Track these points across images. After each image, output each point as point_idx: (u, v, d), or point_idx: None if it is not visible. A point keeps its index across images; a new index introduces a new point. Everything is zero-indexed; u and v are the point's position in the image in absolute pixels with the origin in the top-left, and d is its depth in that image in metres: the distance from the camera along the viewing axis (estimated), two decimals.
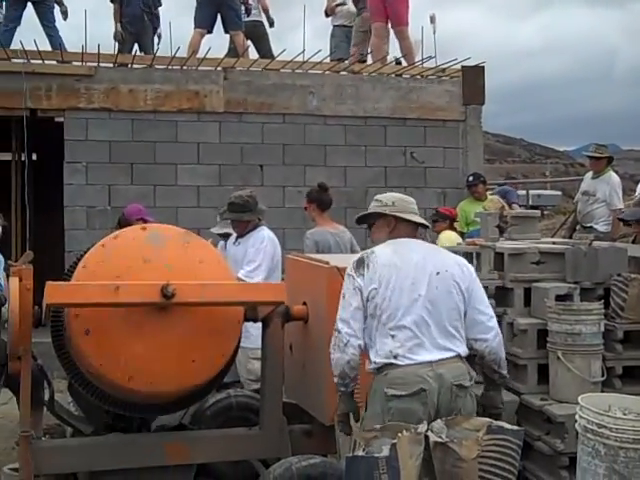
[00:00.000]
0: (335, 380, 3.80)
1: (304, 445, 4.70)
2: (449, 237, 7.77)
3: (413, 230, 4.08)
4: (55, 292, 4.02)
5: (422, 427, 3.37)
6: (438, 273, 3.86)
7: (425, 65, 9.90)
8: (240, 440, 4.73)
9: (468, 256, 5.01)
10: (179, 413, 4.87)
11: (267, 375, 4.67)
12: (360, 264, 3.86)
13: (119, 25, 9.94)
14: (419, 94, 9.71)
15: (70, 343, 4.24)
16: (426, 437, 3.44)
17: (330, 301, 4.51)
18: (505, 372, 4.04)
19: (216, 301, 4.26)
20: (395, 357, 3.72)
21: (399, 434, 3.25)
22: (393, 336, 3.75)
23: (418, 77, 9.87)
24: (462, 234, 8.22)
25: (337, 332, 3.77)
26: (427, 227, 4.39)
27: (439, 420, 3.59)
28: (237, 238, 6.30)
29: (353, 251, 6.56)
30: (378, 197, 4.15)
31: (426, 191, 9.72)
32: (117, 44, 9.79)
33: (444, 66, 9.86)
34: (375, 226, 4.12)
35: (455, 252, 4.48)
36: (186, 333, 4.18)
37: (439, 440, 3.43)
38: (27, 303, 4.19)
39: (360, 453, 3.29)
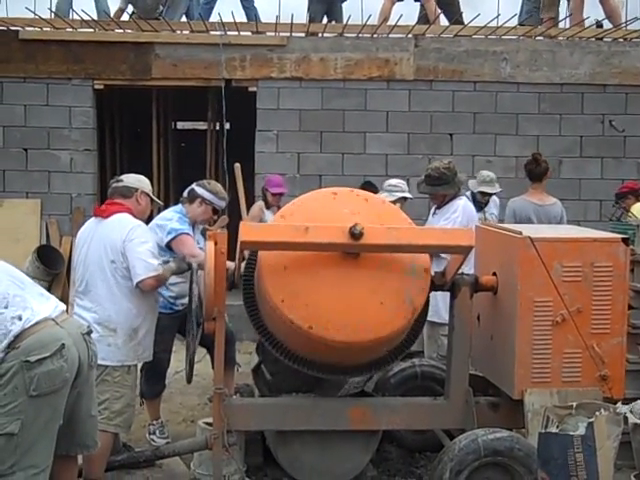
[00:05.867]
0: None
1: (490, 418, 4.61)
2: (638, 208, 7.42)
3: None
4: (249, 231, 4.06)
5: (622, 407, 3.18)
6: None
7: (629, 27, 9.34)
8: (425, 409, 4.69)
9: None
10: (363, 380, 4.86)
11: (454, 345, 4.60)
12: None
13: None
14: (621, 58, 9.18)
15: (260, 295, 4.29)
16: (625, 417, 3.25)
17: (522, 272, 4.38)
18: None
19: (404, 244, 4.06)
20: None
21: (597, 413, 3.07)
22: None
23: (621, 40, 9.32)
24: None
25: None
26: None
27: (639, 401, 3.40)
28: (435, 209, 6.18)
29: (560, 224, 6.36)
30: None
31: (625, 161, 9.28)
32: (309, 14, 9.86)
33: None
34: None
35: None
36: (372, 284, 4.06)
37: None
38: (222, 266, 4.31)
39: (554, 430, 3.15)
